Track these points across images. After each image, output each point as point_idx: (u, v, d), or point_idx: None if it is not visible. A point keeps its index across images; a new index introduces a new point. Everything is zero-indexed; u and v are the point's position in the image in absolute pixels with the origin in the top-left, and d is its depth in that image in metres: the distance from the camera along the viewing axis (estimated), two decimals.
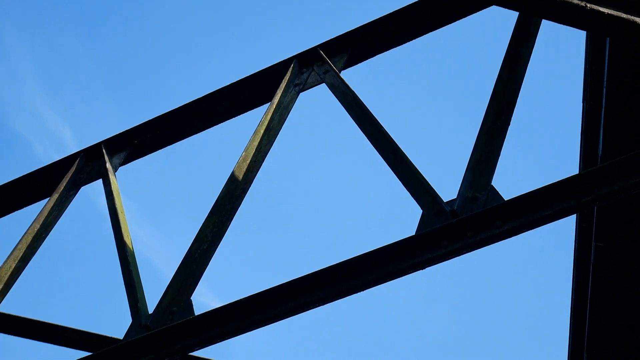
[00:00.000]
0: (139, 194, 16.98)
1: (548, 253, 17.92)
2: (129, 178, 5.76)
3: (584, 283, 5.17)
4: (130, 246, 4.50)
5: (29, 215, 5.34)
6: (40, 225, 4.88)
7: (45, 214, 4.92)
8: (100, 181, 5.10)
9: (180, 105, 5.18)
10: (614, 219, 4.75)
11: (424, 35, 4.74)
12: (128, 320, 4.14)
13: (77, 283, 18.55)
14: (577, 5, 3.66)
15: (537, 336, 18.46)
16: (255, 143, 4.41)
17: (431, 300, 18.79)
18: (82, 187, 5.22)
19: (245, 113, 5.15)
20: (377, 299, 19.23)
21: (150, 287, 4.35)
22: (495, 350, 18.74)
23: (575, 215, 5.06)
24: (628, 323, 5.13)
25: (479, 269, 18.37)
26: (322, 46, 4.82)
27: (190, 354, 6.30)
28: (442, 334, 18.86)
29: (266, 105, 4.88)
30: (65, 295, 18.46)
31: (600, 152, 4.51)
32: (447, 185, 3.72)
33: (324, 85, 4.63)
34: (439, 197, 3.62)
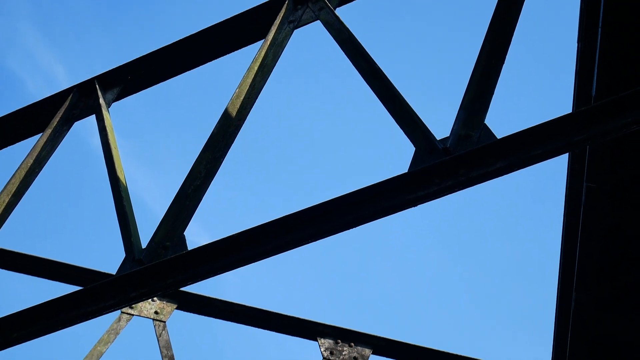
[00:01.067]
0: (132, 132, 16.92)
1: (539, 195, 17.99)
2: (123, 115, 5.75)
3: (574, 224, 5.21)
4: (124, 181, 4.51)
5: (23, 150, 5.34)
6: (34, 161, 4.88)
7: (38, 149, 4.92)
8: (93, 118, 5.09)
9: (175, 41, 5.15)
10: (605, 160, 4.77)
11: None
12: (122, 257, 4.17)
13: (70, 219, 18.60)
14: None
15: (528, 276, 18.62)
16: (249, 80, 4.40)
17: (423, 241, 18.89)
18: (76, 125, 5.21)
19: (240, 50, 5.12)
20: (368, 238, 19.32)
21: (143, 225, 4.37)
22: (485, 291, 18.91)
23: (567, 156, 5.08)
24: (617, 263, 5.19)
25: (470, 209, 18.45)
26: None
27: (183, 289, 6.35)
28: (434, 274, 19.00)
29: (260, 42, 4.86)
30: (58, 231, 18.52)
31: (593, 92, 4.52)
32: (441, 124, 3.73)
33: (318, 22, 4.60)
34: (432, 134, 3.63)
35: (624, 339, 5.49)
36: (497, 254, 18.89)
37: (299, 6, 4.73)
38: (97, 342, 6.06)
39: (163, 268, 3.83)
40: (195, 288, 6.48)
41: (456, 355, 6.51)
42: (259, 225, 3.71)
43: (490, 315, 19.21)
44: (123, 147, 4.65)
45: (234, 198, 18.47)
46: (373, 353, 6.40)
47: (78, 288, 4.73)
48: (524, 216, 18.52)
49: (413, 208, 3.51)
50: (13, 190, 4.75)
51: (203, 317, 6.50)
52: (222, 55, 5.13)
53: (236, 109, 4.28)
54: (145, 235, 4.20)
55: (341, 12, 4.76)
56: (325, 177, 18.38)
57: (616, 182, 4.86)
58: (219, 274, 3.78)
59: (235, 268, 3.76)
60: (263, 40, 4.65)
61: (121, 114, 5.57)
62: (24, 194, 4.90)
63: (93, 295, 3.95)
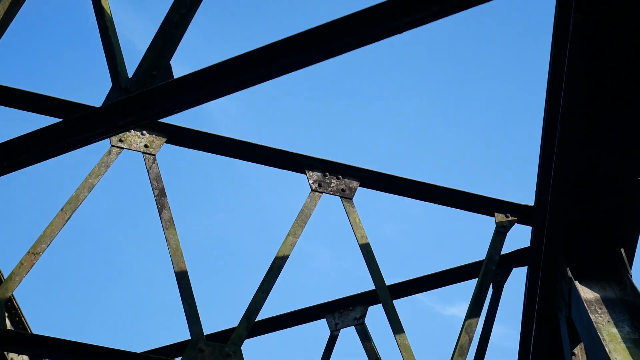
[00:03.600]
0: None
1: (528, 29, 17.85)
2: None
3: (561, 55, 5.21)
4: (109, 12, 4.47)
5: None
6: None
7: None
8: None
9: None
10: None
11: None
12: (108, 90, 4.17)
13: (55, 53, 18.46)
14: None
15: (513, 117, 18.70)
16: None
17: (407, 91, 18.85)
18: None
19: None
20: (359, 79, 19.29)
21: (130, 59, 4.35)
22: (473, 131, 19.04)
23: None
24: (603, 94, 5.21)
25: (456, 51, 18.37)
26: None
27: (172, 123, 6.38)
28: (421, 113, 19.07)
29: None
30: (44, 65, 18.40)
31: None
32: None
33: None
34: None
35: (607, 174, 5.57)
36: (484, 92, 18.92)
37: None
38: (88, 175, 6.14)
39: (150, 96, 3.86)
40: (184, 123, 6.52)
41: (442, 187, 6.63)
42: (243, 54, 3.71)
43: (477, 154, 19.43)
44: None
45: (218, 30, 18.32)
46: (360, 185, 6.51)
47: None
48: (511, 54, 18.46)
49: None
50: None
51: (192, 151, 6.57)
52: None
53: None
54: (131, 67, 4.20)
55: None
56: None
57: (604, 13, 4.82)
58: (205, 102, 3.81)
59: (221, 96, 3.79)
60: None
61: None
62: (7, 26, 4.85)
63: (81, 124, 3.98)
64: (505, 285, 6.75)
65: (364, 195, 6.70)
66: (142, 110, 3.85)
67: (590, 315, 5.27)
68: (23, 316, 6.75)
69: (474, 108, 18.89)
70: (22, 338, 5.21)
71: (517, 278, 6.90)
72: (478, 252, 6.86)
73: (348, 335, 7.12)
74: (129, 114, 3.88)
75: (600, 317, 5.27)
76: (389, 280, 6.57)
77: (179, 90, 3.80)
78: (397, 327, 5.73)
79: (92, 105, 6.12)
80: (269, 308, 7.45)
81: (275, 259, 5.86)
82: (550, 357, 6.33)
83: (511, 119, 19.09)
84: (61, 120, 4.07)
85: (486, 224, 6.72)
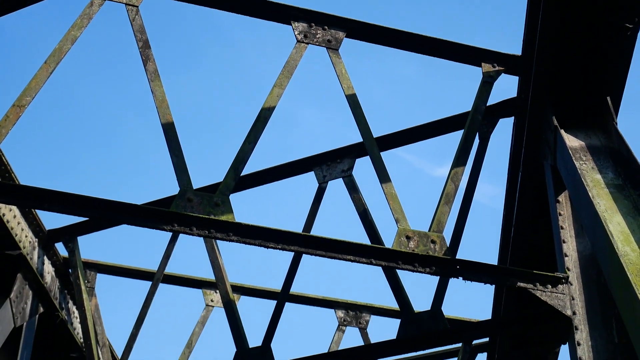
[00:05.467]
0: None
1: None
2: None
3: None
4: None
5: None
6: None
7: None
8: None
9: None
10: None
11: None
12: None
13: None
14: None
15: None
16: None
17: None
18: None
19: None
20: None
21: None
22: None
23: None
24: None
25: None
26: None
27: None
28: None
29: None
30: None
31: None
32: None
33: None
34: None
35: (594, 21, 5.52)
36: None
37: None
38: (71, 27, 6.05)
39: None
40: None
41: (429, 38, 6.57)
42: None
43: (465, 5, 19.21)
44: None
45: None
46: (347, 36, 6.44)
47: None
48: None
49: None
50: None
51: (175, 3, 6.46)
52: None
53: None
54: None
55: None
56: None
57: None
58: None
59: None
60: None
61: None
62: None
63: None
64: (495, 145, 6.79)
65: (351, 55, 6.62)
66: None
67: (575, 163, 5.32)
68: (10, 168, 6.77)
69: None
70: (10, 189, 5.24)
71: (506, 132, 6.92)
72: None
73: (336, 188, 7.20)
74: None
75: (585, 164, 5.32)
76: (376, 135, 6.58)
77: None
78: (383, 176, 5.77)
79: None
80: (257, 166, 7.48)
81: (262, 110, 5.84)
82: (535, 206, 6.42)
83: None
84: None
85: (474, 82, 6.69)
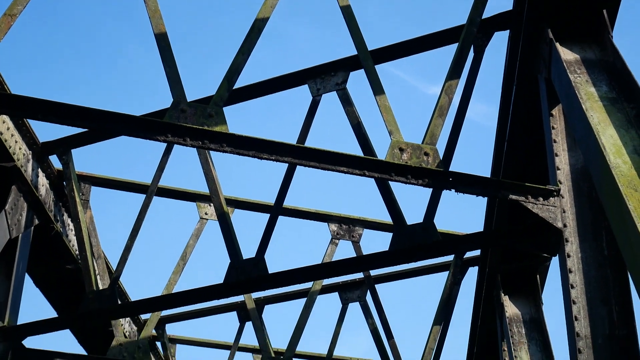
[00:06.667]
0: None
1: None
2: None
3: None
4: None
5: None
6: None
7: None
8: None
9: None
10: None
11: None
12: None
13: None
14: None
15: None
16: None
17: None
18: None
19: None
20: None
21: None
22: None
23: None
24: None
25: None
26: None
27: None
28: None
29: None
30: None
31: None
32: None
33: None
34: None
35: None
36: None
37: None
38: None
39: None
40: None
41: None
42: None
43: None
44: None
45: None
46: None
47: None
48: None
49: None
50: None
51: None
52: None
53: None
54: None
55: None
56: None
57: None
58: None
59: None
60: None
61: None
62: None
63: None
64: (489, 63, 6.75)
65: None
66: None
67: (570, 76, 5.30)
68: (2, 79, 6.74)
69: None
70: (2, 98, 5.22)
71: (501, 48, 6.89)
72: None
73: (330, 101, 7.19)
74: None
75: (579, 77, 5.31)
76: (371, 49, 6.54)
77: None
78: (377, 88, 5.76)
79: None
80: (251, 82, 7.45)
81: (256, 20, 5.80)
82: (528, 120, 6.42)
83: None
84: None
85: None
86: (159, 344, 10.71)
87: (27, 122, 7.47)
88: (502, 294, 7.41)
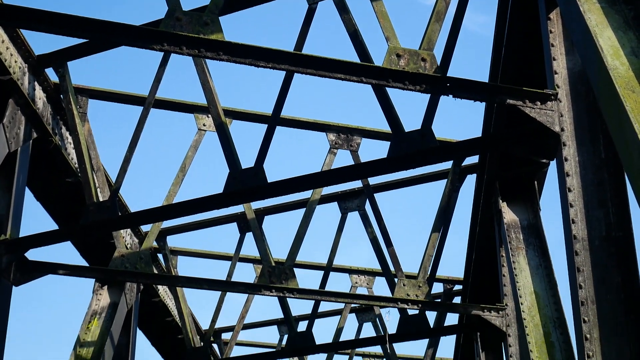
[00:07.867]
0: None
1: None
2: None
3: None
4: None
5: None
6: None
7: None
8: None
9: None
10: None
11: None
12: None
13: None
14: None
15: None
16: None
17: None
18: None
19: None
20: None
21: None
22: None
23: None
24: None
25: None
26: None
27: None
28: None
29: None
30: None
31: None
32: None
33: None
34: None
35: None
36: None
37: None
38: None
39: None
40: None
41: None
42: None
43: None
44: None
45: None
46: None
47: None
48: None
49: None
50: None
51: None
52: None
53: None
54: None
55: None
56: None
57: None
58: None
59: None
60: None
61: None
62: None
63: None
64: None
65: None
66: None
67: None
68: None
69: None
70: None
71: None
72: None
73: (326, 8, 7.12)
74: None
75: None
76: None
77: None
78: None
79: None
80: None
81: None
82: (526, 25, 6.37)
83: None
84: None
85: None
86: (160, 255, 10.83)
87: (21, 35, 7.41)
88: (500, 201, 7.46)
